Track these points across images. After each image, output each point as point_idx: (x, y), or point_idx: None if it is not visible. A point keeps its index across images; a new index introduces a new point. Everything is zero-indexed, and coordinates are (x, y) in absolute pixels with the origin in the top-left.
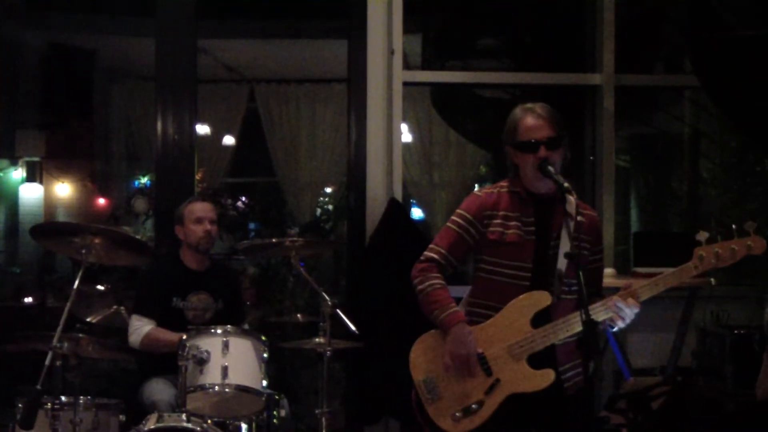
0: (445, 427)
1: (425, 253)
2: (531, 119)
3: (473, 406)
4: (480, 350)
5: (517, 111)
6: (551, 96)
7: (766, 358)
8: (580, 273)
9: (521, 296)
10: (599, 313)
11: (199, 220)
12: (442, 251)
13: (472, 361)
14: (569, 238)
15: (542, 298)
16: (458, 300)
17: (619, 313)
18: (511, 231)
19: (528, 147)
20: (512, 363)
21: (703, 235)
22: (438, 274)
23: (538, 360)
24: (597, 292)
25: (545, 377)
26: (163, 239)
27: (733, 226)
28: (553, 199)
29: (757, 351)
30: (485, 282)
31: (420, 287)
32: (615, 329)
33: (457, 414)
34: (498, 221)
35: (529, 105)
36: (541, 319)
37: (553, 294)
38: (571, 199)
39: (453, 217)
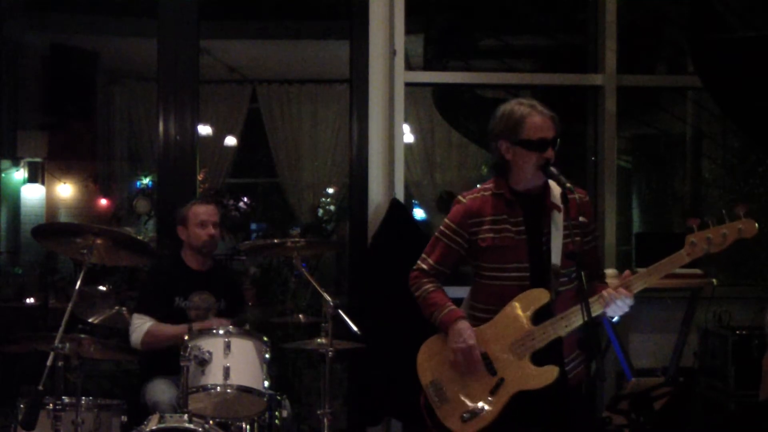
0: (454, 428)
1: (417, 262)
2: (539, 117)
3: (480, 406)
4: (483, 350)
5: (516, 107)
6: (553, 96)
7: (766, 364)
8: (582, 273)
9: (520, 295)
10: (594, 307)
11: (203, 224)
12: (431, 262)
13: (474, 354)
14: (562, 230)
15: (540, 296)
16: (458, 300)
17: (611, 305)
18: (502, 235)
19: (535, 146)
20: (515, 361)
21: (694, 222)
22: (428, 279)
23: (543, 353)
24: (596, 273)
25: (549, 374)
26: (165, 240)
27: (723, 211)
28: (539, 195)
29: (757, 352)
30: (486, 286)
31: (416, 294)
32: (615, 320)
33: (465, 415)
34: (486, 227)
35: (527, 101)
36: (543, 315)
37: (551, 289)
38: (555, 189)
39: (440, 227)
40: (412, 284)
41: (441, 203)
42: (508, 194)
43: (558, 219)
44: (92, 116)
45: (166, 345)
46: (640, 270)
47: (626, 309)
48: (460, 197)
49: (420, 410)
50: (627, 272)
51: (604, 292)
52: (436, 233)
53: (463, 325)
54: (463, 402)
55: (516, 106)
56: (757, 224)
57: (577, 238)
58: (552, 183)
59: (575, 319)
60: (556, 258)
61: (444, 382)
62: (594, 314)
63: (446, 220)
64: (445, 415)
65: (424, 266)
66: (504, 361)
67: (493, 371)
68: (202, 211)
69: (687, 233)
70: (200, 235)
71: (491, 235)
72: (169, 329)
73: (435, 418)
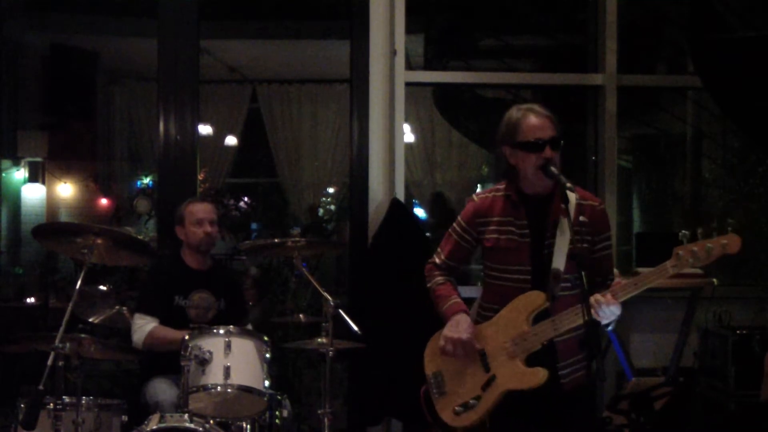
0: (447, 420)
1: (432, 255)
2: (535, 118)
3: (471, 401)
4: (480, 346)
5: (515, 111)
6: (553, 96)
7: (767, 364)
8: (583, 274)
9: (519, 296)
10: (581, 313)
11: (199, 222)
12: (442, 256)
13: (466, 347)
14: (569, 235)
15: (537, 298)
16: (467, 300)
17: (598, 311)
18: (505, 236)
19: (532, 147)
20: (507, 360)
21: (685, 235)
22: (439, 273)
23: (538, 356)
24: (603, 281)
25: (536, 376)
26: (166, 239)
27: (713, 225)
28: (547, 198)
29: (757, 352)
30: (492, 286)
31: (428, 285)
32: (610, 328)
33: (458, 408)
34: (492, 227)
35: (526, 105)
36: (543, 318)
37: (548, 293)
38: (572, 197)
39: (453, 224)
40: (426, 276)
41: (434, 202)
42: (514, 196)
43: (565, 224)
44: (92, 116)
45: (167, 349)
46: (641, 270)
47: (613, 317)
48: (473, 196)
49: (419, 409)
50: (617, 280)
51: (591, 298)
52: (449, 229)
53: (462, 318)
54: (458, 395)
55: (514, 110)
56: (740, 239)
57: (585, 245)
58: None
59: (569, 321)
60: (558, 262)
61: (445, 375)
62: (579, 322)
63: (458, 217)
64: (442, 407)
65: (437, 260)
66: (498, 359)
67: (487, 368)
68: (198, 209)
69: (676, 245)
70: (197, 232)
71: (495, 235)
72: (171, 334)
73: (433, 409)
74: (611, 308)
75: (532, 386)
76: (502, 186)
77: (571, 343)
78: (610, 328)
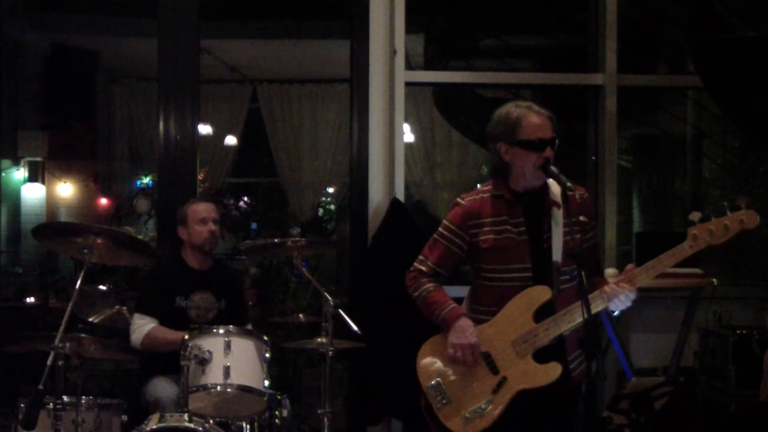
0: (456, 429)
1: (414, 263)
2: (537, 118)
3: (482, 405)
4: (484, 349)
5: (513, 108)
6: (553, 96)
7: (767, 363)
8: (583, 273)
9: (521, 293)
10: (597, 302)
11: (203, 221)
12: (430, 263)
13: (475, 351)
14: (562, 226)
15: (542, 293)
16: (458, 300)
17: (614, 300)
18: (503, 235)
19: (534, 146)
20: (518, 359)
21: (695, 215)
22: (428, 279)
23: (546, 352)
24: (597, 270)
25: (552, 371)
26: (166, 239)
27: (724, 203)
28: (539, 194)
29: (756, 352)
30: (488, 288)
31: (415, 294)
32: (616, 313)
33: (468, 415)
34: (487, 228)
35: (524, 103)
36: (545, 313)
37: (553, 287)
38: (554, 186)
39: (440, 229)
40: (409, 285)
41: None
42: (507, 195)
43: (558, 216)
44: (92, 116)
45: (165, 349)
46: None
47: (629, 303)
48: (459, 199)
49: (421, 410)
50: (630, 266)
51: (607, 287)
52: (435, 235)
53: (466, 323)
54: (465, 402)
55: (513, 107)
56: (757, 214)
57: (577, 236)
58: (551, 180)
59: (578, 315)
60: (557, 255)
61: (445, 383)
62: (597, 309)
63: (445, 222)
64: (447, 416)
65: (423, 267)
66: (506, 359)
67: (495, 370)
68: (202, 209)
69: (688, 226)
70: (201, 232)
71: (492, 236)
72: (169, 334)
73: (437, 419)
74: (629, 296)
75: (549, 382)
76: (488, 187)
77: (574, 336)
78: (616, 314)
